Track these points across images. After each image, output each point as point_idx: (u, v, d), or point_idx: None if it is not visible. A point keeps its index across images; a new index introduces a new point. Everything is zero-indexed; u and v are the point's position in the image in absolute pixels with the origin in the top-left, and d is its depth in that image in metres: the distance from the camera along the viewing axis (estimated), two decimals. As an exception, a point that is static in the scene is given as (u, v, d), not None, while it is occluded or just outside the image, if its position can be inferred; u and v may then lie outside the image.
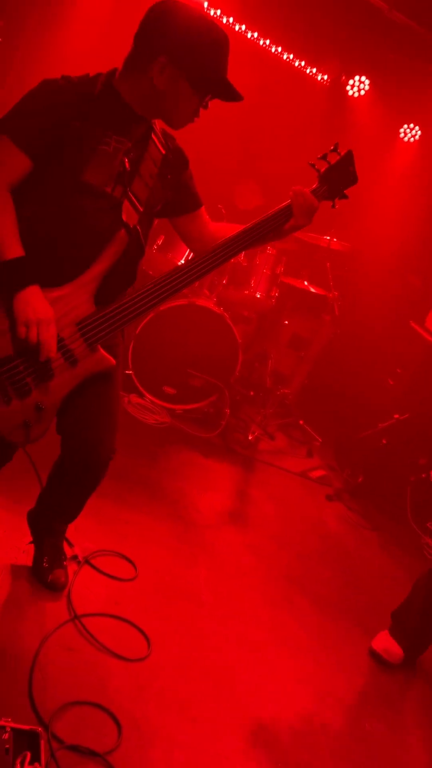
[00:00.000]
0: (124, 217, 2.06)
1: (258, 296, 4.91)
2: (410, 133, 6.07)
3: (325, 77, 6.10)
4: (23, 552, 2.61)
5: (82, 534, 2.80)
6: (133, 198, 2.09)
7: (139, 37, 2.01)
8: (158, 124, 2.19)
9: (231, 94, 2.05)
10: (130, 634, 2.47)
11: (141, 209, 2.12)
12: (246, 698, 2.43)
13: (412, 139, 6.08)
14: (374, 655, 2.97)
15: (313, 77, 6.09)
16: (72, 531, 2.79)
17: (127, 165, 2.05)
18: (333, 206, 2.28)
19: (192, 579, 2.95)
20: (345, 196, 2.25)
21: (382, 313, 5.62)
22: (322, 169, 2.21)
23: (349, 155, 2.21)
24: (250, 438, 4.71)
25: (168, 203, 2.28)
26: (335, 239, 4.86)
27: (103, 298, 2.09)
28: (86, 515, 2.77)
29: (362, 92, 5.98)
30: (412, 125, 6.05)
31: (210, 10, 5.57)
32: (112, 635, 2.41)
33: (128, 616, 2.53)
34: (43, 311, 1.96)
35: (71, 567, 2.64)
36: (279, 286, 5.05)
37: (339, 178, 2.21)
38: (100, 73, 2.07)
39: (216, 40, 1.99)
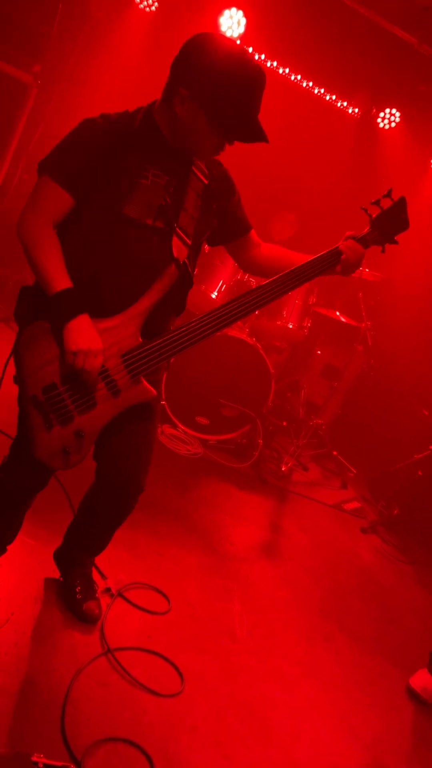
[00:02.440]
0: (174, 252, 2.09)
1: (290, 327, 4.92)
2: (442, 164, 6.08)
3: (356, 110, 6.16)
4: (56, 583, 2.61)
5: (115, 566, 2.80)
6: (180, 232, 2.12)
7: (171, 67, 2.05)
8: None
9: (252, 136, 2.02)
10: (163, 668, 2.45)
11: (189, 242, 2.16)
12: (281, 737, 2.38)
13: (444, 170, 6.08)
14: (412, 693, 2.89)
15: (343, 110, 6.16)
16: (105, 563, 2.79)
17: (168, 199, 2.08)
18: (382, 251, 2.30)
19: (226, 613, 2.92)
20: (395, 242, 2.27)
21: (416, 343, 5.57)
22: (374, 215, 2.23)
23: (402, 202, 2.23)
24: (283, 469, 4.68)
25: (216, 231, 2.31)
26: (367, 269, 4.86)
27: (150, 330, 2.12)
28: (119, 547, 2.78)
29: (393, 124, 6.02)
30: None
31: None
32: (145, 670, 2.39)
33: (161, 651, 2.51)
34: (92, 341, 2.01)
35: (104, 599, 2.64)
36: (311, 316, 5.05)
37: (390, 224, 2.22)
38: (141, 107, 2.12)
39: (241, 80, 1.96)
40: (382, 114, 6.02)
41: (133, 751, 2.06)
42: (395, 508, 4.59)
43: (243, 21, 5.51)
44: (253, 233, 2.39)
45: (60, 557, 2.60)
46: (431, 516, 4.47)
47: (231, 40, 2.01)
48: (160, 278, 2.08)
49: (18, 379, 2.08)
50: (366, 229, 2.23)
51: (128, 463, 2.29)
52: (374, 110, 6.08)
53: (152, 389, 2.15)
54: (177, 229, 2.11)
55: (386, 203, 2.22)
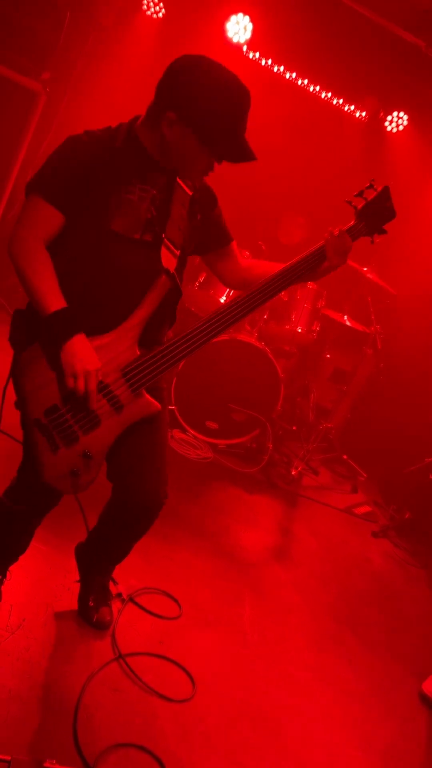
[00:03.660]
0: (163, 263, 2.10)
1: (299, 330, 4.92)
2: (450, 166, 6.06)
3: (363, 114, 6.15)
4: (68, 590, 2.62)
5: (126, 571, 2.80)
6: (168, 243, 2.13)
7: (157, 88, 2.05)
8: None
9: (241, 156, 2.03)
10: (174, 674, 2.45)
11: (177, 253, 2.16)
12: (293, 744, 2.37)
13: (452, 172, 6.07)
14: (425, 699, 2.87)
15: (351, 114, 6.16)
16: (116, 568, 2.79)
17: (154, 212, 2.09)
18: (372, 242, 2.29)
19: (237, 618, 2.91)
20: (384, 232, 2.26)
21: (425, 346, 5.55)
22: (359, 206, 2.23)
23: (386, 191, 2.22)
24: (293, 473, 4.67)
25: (198, 241, 2.31)
26: (374, 273, 4.85)
27: (146, 342, 2.12)
28: (132, 552, 2.78)
29: (401, 128, 6.01)
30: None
31: (249, 53, 5.72)
32: (157, 675, 2.39)
33: (173, 656, 2.51)
34: (90, 361, 2.00)
35: (115, 605, 2.64)
36: (320, 320, 5.04)
37: (376, 214, 2.22)
38: (122, 123, 2.14)
39: (230, 103, 1.96)
40: (389, 118, 6.01)
41: (145, 757, 2.05)
42: (406, 512, 4.57)
43: (250, 26, 5.52)
44: (234, 245, 2.39)
45: (81, 556, 2.59)
46: (443, 520, 4.45)
47: (216, 63, 2.00)
48: (152, 289, 2.07)
49: (19, 404, 2.08)
50: (352, 222, 2.22)
51: (143, 480, 2.26)
52: (382, 114, 6.07)
53: (156, 403, 2.13)
54: (165, 240, 2.11)
55: (370, 194, 2.22)
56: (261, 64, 5.75)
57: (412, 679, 2.99)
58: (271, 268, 2.26)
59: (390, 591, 3.81)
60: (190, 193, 2.19)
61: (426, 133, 5.93)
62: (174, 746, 2.14)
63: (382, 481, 5.14)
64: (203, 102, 1.95)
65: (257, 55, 5.72)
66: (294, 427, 5.09)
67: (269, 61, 5.78)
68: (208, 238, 2.33)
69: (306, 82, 5.96)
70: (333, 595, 3.46)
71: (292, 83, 5.91)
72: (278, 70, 5.85)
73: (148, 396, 2.12)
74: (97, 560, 2.54)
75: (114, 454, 2.18)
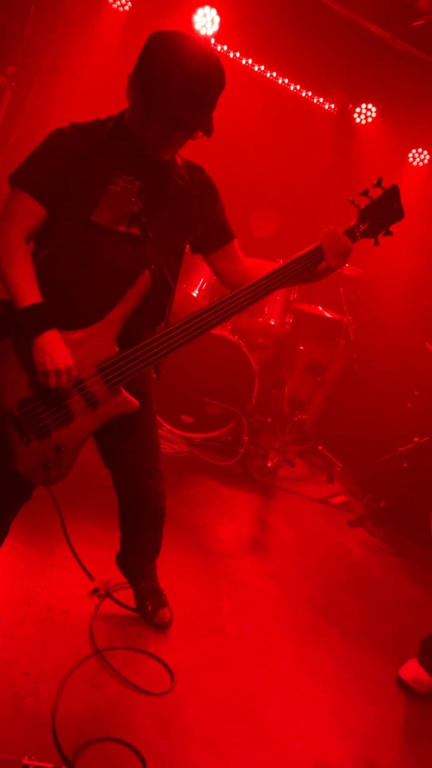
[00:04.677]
0: (150, 258, 2.06)
1: (272, 323, 4.93)
2: (419, 157, 6.11)
3: (333, 106, 6.17)
4: (44, 587, 2.60)
5: (103, 566, 2.79)
6: (156, 238, 2.09)
7: None
8: (180, 159, 2.18)
9: (188, 125, 1.95)
10: (153, 667, 2.44)
11: (164, 248, 2.12)
12: (274, 734, 2.38)
13: (421, 164, 6.12)
14: (402, 684, 2.90)
15: (320, 106, 6.17)
16: (93, 564, 2.78)
17: (140, 204, 2.05)
18: (375, 243, 2.17)
19: (215, 610, 2.92)
20: (390, 233, 2.15)
21: (398, 336, 5.60)
22: (362, 205, 2.12)
23: (394, 190, 2.12)
24: (269, 465, 4.68)
25: (198, 238, 2.27)
26: (347, 264, 4.87)
27: (127, 339, 2.08)
28: (106, 547, 2.77)
29: (369, 119, 6.04)
30: (420, 150, 6.09)
31: (217, 45, 5.70)
32: (135, 669, 2.38)
33: (151, 650, 2.50)
34: (60, 359, 1.97)
35: (92, 600, 2.63)
36: (293, 312, 5.06)
37: (382, 214, 2.12)
38: (112, 115, 2.10)
39: (174, 67, 1.87)
40: (358, 109, 6.04)
41: (125, 751, 2.05)
42: (382, 500, 4.61)
43: (217, 19, 5.49)
44: (235, 243, 2.34)
45: (122, 564, 2.71)
46: (417, 508, 4.49)
47: (188, 38, 1.93)
48: (134, 285, 2.03)
49: None
50: (353, 222, 2.12)
51: (140, 466, 2.37)
52: (350, 106, 6.10)
53: (134, 400, 2.11)
54: (150, 234, 2.07)
55: (376, 193, 2.11)
56: (229, 56, 5.73)
57: (390, 665, 3.01)
58: (270, 268, 2.16)
59: (367, 579, 3.84)
60: (184, 186, 2.15)
61: (394, 125, 5.97)
62: (154, 739, 2.14)
63: (357, 470, 5.18)
64: (151, 63, 1.89)
65: (225, 48, 5.70)
66: (269, 419, 5.10)
67: (237, 54, 5.77)
68: (208, 237, 2.28)
69: (275, 74, 5.96)
70: (311, 585, 3.48)
71: (260, 76, 5.91)
72: (247, 62, 5.84)
73: (125, 393, 2.09)
74: (135, 562, 2.67)
75: (107, 443, 2.27)
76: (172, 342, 2.07)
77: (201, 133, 2.00)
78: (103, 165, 2.03)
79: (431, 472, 4.50)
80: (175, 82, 1.87)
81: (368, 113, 6.02)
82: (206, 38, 5.56)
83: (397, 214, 2.13)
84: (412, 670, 2.92)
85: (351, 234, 2.12)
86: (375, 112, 6.01)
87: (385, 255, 5.65)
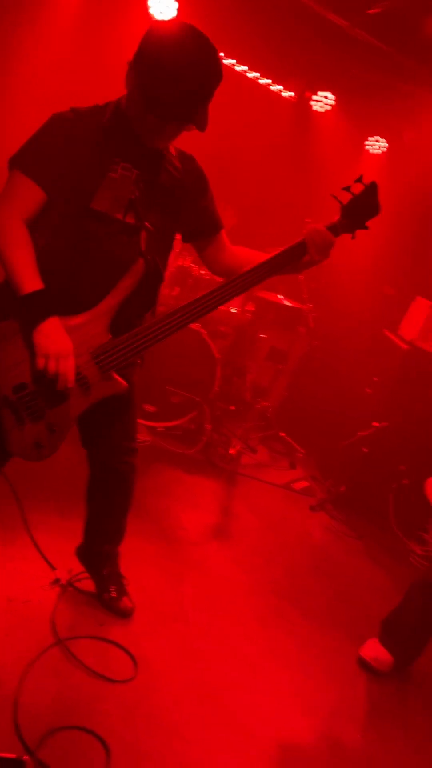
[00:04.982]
0: (144, 247, 2.10)
1: (233, 311, 4.94)
2: (377, 145, 6.17)
3: (291, 94, 6.18)
4: (4, 578, 2.57)
5: (65, 556, 2.77)
6: (150, 227, 2.12)
7: None
8: (173, 148, 2.20)
9: (167, 113, 1.96)
10: (116, 655, 2.45)
11: (158, 237, 2.16)
12: (239, 716, 2.41)
13: (378, 151, 6.17)
14: (363, 663, 2.96)
15: (278, 94, 6.18)
16: (54, 554, 2.77)
17: (137, 193, 2.07)
18: (353, 237, 2.25)
19: (179, 597, 2.93)
20: (366, 227, 2.23)
21: (357, 323, 5.66)
22: (345, 201, 2.19)
23: (373, 186, 2.20)
24: (231, 452, 4.70)
25: (188, 228, 2.31)
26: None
27: (120, 326, 2.14)
28: (69, 537, 2.76)
29: (327, 107, 6.07)
30: (378, 138, 6.15)
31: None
32: (98, 658, 2.38)
33: (114, 638, 2.50)
34: (63, 345, 2.02)
35: (54, 590, 2.61)
36: (254, 300, 5.07)
37: (361, 210, 2.20)
38: (111, 101, 2.11)
39: (179, 62, 1.89)
40: (315, 97, 6.06)
41: (89, 739, 2.05)
42: (342, 485, 4.66)
43: (174, 4, 5.43)
44: (223, 233, 2.38)
45: (86, 552, 2.69)
46: (377, 491, 4.57)
47: (190, 28, 1.95)
48: (127, 274, 2.09)
49: None
50: (337, 217, 2.19)
51: (121, 445, 2.46)
52: (308, 94, 6.12)
53: (123, 382, 2.18)
54: (146, 224, 2.11)
55: (357, 188, 2.19)
56: (178, 22, 5.68)
57: (352, 646, 3.06)
58: (256, 258, 2.24)
59: (329, 562, 3.90)
60: (178, 176, 2.17)
61: (352, 113, 6.01)
62: (118, 726, 2.14)
63: (318, 456, 5.23)
64: (149, 54, 1.92)
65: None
66: (232, 407, 5.12)
67: (195, 40, 5.73)
68: (197, 227, 2.32)
69: (233, 62, 5.94)
70: (274, 569, 3.51)
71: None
72: (204, 49, 5.80)
73: (116, 376, 2.17)
74: (102, 545, 2.66)
75: (87, 422, 2.33)
76: (163, 330, 2.14)
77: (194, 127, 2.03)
78: (103, 152, 2.04)
79: (390, 457, 4.58)
80: (171, 75, 1.90)
81: (326, 101, 6.05)
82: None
83: (375, 210, 2.21)
84: (372, 650, 2.98)
85: (334, 229, 2.19)
86: (333, 100, 6.04)
87: (345, 243, 5.70)
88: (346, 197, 2.20)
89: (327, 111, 6.09)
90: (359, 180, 2.20)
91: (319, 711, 2.61)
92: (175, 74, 1.90)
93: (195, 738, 2.23)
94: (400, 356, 4.82)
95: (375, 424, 4.65)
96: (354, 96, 5.92)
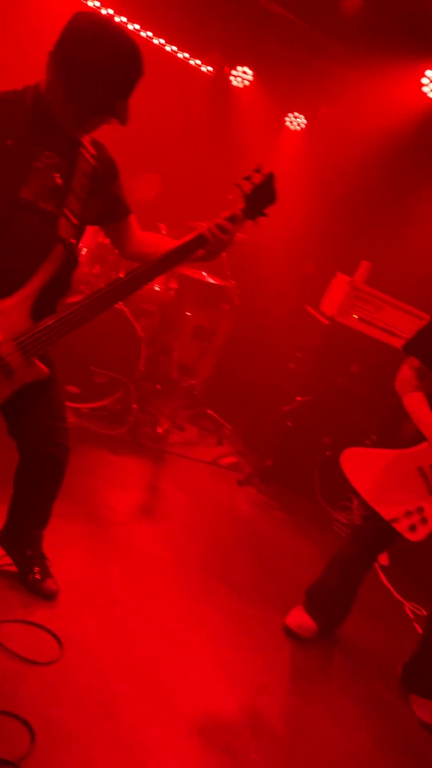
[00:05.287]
0: (61, 233, 2.15)
1: (156, 289, 4.91)
2: (295, 121, 6.20)
3: (209, 69, 6.13)
4: None
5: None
6: (68, 213, 2.17)
7: None
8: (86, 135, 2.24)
9: (102, 111, 2.05)
10: (41, 638, 2.42)
11: (76, 223, 2.20)
12: (165, 690, 2.44)
13: (298, 127, 6.21)
14: (288, 631, 3.04)
15: (197, 69, 6.12)
16: (-25, 540, 2.71)
17: (59, 180, 2.12)
18: (255, 224, 2.39)
19: (106, 577, 2.92)
20: (264, 215, 2.37)
21: (279, 299, 5.73)
22: (246, 190, 2.32)
23: (271, 177, 2.35)
24: (159, 431, 4.70)
25: (99, 212, 2.35)
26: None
27: (40, 311, 2.18)
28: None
29: (246, 83, 6.05)
30: (296, 114, 6.18)
31: (89, 1, 5.50)
32: (22, 641, 2.35)
33: (38, 620, 2.48)
34: None
35: (-24, 577, 2.57)
36: (177, 277, 5.05)
37: (260, 199, 2.33)
38: (28, 85, 2.10)
39: (102, 57, 1.95)
40: (234, 72, 6.04)
41: (12, 723, 2.03)
42: (269, 459, 4.75)
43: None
44: (133, 218, 2.45)
45: (8, 539, 2.66)
46: (302, 464, 4.67)
47: (113, 23, 2.05)
48: (48, 260, 2.14)
49: None
50: (240, 206, 2.31)
51: (51, 427, 2.45)
52: (227, 69, 6.08)
53: (45, 368, 2.23)
54: (65, 210, 2.15)
55: (257, 178, 2.33)
56: (101, 14, 5.55)
57: (277, 615, 3.14)
58: (163, 244, 2.33)
59: (256, 536, 3.97)
60: (93, 164, 2.22)
61: (271, 89, 6.02)
62: (44, 709, 2.13)
63: (245, 431, 5.30)
64: (72, 46, 1.95)
65: (97, 3, 5.51)
66: (158, 386, 5.11)
67: (111, 11, 5.60)
68: (107, 210, 2.37)
69: (150, 34, 5.84)
70: (202, 545, 3.55)
71: (135, 35, 5.76)
72: (120, 21, 5.68)
73: (38, 362, 2.20)
74: (27, 529, 2.63)
75: (12, 410, 2.31)
76: (83, 314, 2.21)
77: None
78: (28, 140, 2.07)
79: (314, 430, 4.68)
80: (93, 70, 1.94)
81: (245, 76, 6.03)
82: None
83: (271, 198, 2.35)
84: (297, 618, 3.06)
85: (234, 218, 2.29)
86: (252, 75, 6.03)
87: (267, 220, 5.73)
88: (247, 186, 2.33)
89: (246, 86, 6.08)
90: (258, 170, 2.34)
91: (245, 680, 2.67)
92: (97, 69, 1.95)
93: (123, 715, 2.25)
94: (322, 331, 4.91)
95: (298, 398, 4.74)
96: (272, 71, 5.93)
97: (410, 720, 2.85)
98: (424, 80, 5.22)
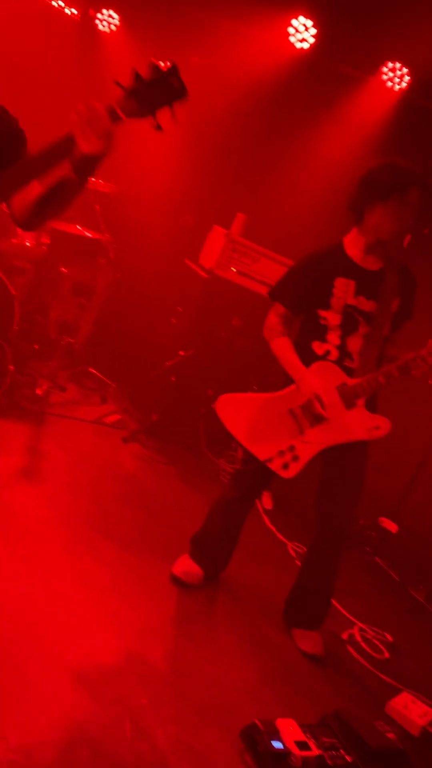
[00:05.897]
0: None
1: (27, 244, 4.71)
2: (167, 70, 6.05)
3: (74, 11, 5.85)
4: None
5: None
6: None
7: None
8: None
9: None
10: None
11: None
12: (51, 647, 2.42)
13: (169, 77, 6.07)
14: (175, 579, 3.09)
15: (60, 11, 5.82)
16: None
17: None
18: (158, 127, 1.82)
19: (-16, 543, 2.84)
20: (174, 114, 1.80)
21: (159, 253, 5.66)
22: (129, 86, 1.77)
23: (174, 68, 1.79)
24: (38, 392, 4.57)
25: None
26: (100, 180, 4.77)
27: None
28: None
29: (113, 27, 5.83)
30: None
31: None
32: None
33: None
34: None
35: None
36: (49, 232, 4.87)
37: (156, 91, 1.77)
38: None
39: None
40: (100, 16, 5.79)
41: None
42: (154, 414, 4.75)
43: None
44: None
45: None
46: (186, 418, 4.71)
47: None
48: None
49: None
50: (112, 100, 1.76)
51: None
52: (92, 12, 5.82)
53: None
54: None
55: (149, 73, 1.78)
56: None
57: (165, 566, 3.18)
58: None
59: (142, 490, 3.98)
60: None
61: (138, 34, 5.82)
62: None
63: (130, 388, 5.26)
64: None
65: None
66: (36, 346, 4.94)
67: None
68: None
69: (7, -29, 5.47)
70: (86, 503, 3.52)
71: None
72: None
73: None
74: None
75: None
76: None
77: None
78: None
79: (198, 383, 4.72)
80: None
81: (111, 20, 5.80)
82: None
83: (179, 92, 1.79)
84: (183, 565, 3.12)
85: (110, 111, 1.76)
86: (118, 20, 5.80)
87: (140, 170, 5.60)
88: (131, 82, 1.78)
89: (113, 32, 5.85)
90: (152, 64, 1.80)
91: (132, 630, 2.70)
92: None
93: (8, 676, 2.21)
94: (201, 285, 4.91)
95: (181, 353, 4.75)
96: (139, 16, 5.72)
97: (293, 652, 3.00)
98: (290, 29, 5.23)
